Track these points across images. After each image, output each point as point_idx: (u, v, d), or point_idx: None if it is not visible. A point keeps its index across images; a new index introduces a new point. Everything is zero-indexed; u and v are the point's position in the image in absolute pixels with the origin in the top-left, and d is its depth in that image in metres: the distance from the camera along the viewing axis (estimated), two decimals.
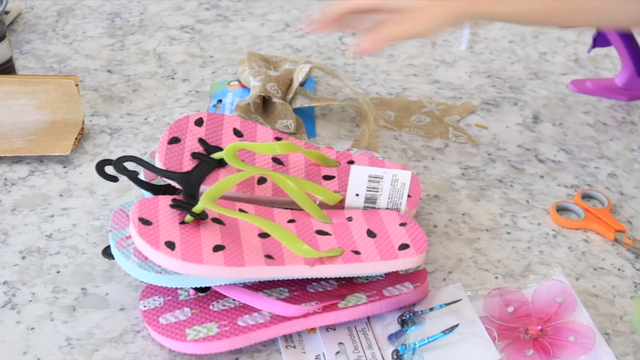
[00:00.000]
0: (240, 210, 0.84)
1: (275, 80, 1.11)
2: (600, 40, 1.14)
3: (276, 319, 0.80)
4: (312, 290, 0.84)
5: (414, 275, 0.86)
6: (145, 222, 0.79)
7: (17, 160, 1.05)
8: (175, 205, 0.81)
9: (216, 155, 0.89)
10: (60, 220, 0.96)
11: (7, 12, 1.33)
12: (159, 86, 1.19)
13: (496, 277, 0.90)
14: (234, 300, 0.82)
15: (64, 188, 1.01)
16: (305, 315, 0.81)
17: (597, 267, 0.91)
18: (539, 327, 0.82)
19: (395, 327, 0.83)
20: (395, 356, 0.79)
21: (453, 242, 0.94)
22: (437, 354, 0.80)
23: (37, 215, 0.97)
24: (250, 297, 0.80)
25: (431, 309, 0.84)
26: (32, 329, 0.84)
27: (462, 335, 0.81)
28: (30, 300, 0.87)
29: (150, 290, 0.84)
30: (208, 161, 0.89)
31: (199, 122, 0.92)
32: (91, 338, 0.83)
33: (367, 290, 0.84)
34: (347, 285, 0.85)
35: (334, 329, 0.83)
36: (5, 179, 1.03)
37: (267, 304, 0.80)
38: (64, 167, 1.04)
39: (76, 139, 1.07)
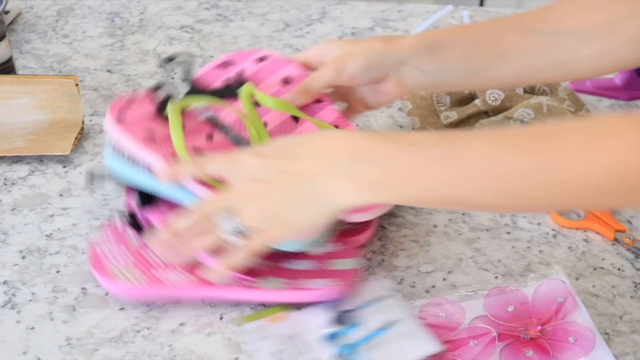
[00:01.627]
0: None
1: None
2: None
3: (193, 282, 0.84)
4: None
5: (342, 273, 0.85)
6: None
7: (17, 160, 1.05)
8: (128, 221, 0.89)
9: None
10: (60, 220, 0.96)
11: (7, 12, 1.33)
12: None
13: (496, 277, 0.90)
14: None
15: (63, 188, 1.01)
16: (215, 285, 0.83)
17: (597, 267, 0.91)
18: (539, 328, 0.82)
19: (327, 327, 0.82)
20: (339, 357, 0.79)
21: (453, 241, 0.94)
22: (381, 351, 0.80)
23: (37, 214, 0.97)
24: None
25: (361, 307, 0.84)
26: (32, 328, 0.84)
27: (401, 330, 0.81)
28: (30, 300, 0.87)
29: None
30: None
31: (260, 59, 1.00)
32: (91, 338, 0.83)
33: (289, 277, 0.85)
34: (273, 267, 0.86)
35: (266, 339, 0.81)
36: (5, 179, 1.03)
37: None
38: (64, 166, 1.04)
39: (76, 138, 1.06)
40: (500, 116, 1.06)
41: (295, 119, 0.94)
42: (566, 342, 0.81)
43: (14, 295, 0.88)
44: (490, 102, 1.08)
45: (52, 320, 0.85)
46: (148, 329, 0.84)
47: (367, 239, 0.92)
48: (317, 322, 0.83)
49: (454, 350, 0.81)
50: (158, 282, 0.84)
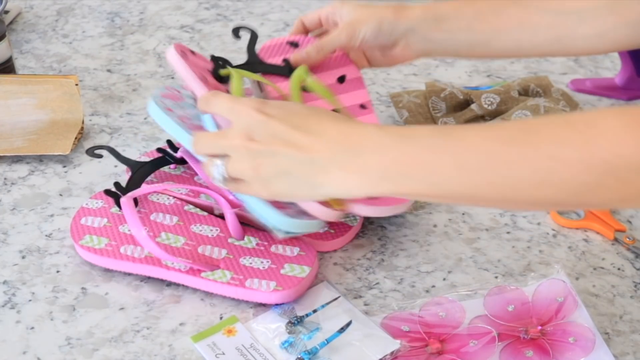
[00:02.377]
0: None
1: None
2: None
3: (148, 259, 0.87)
4: (204, 253, 0.88)
5: (288, 280, 0.86)
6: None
7: (17, 159, 1.05)
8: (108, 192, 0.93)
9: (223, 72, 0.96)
10: (60, 220, 0.96)
11: (6, 12, 1.33)
12: (158, 86, 1.19)
13: (496, 277, 0.90)
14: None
15: (63, 187, 1.01)
16: (168, 268, 0.86)
17: (597, 267, 0.91)
18: (539, 328, 0.82)
19: (283, 335, 0.82)
20: None
21: (453, 241, 0.94)
22: (342, 354, 0.80)
23: (36, 214, 0.97)
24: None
25: (314, 311, 0.84)
26: (32, 328, 0.84)
27: (358, 331, 0.82)
28: (30, 300, 0.87)
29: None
30: (168, 158, 0.98)
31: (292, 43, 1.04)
32: (91, 337, 0.83)
33: (239, 272, 0.86)
34: (229, 260, 0.87)
35: (223, 354, 0.81)
36: (5, 179, 1.03)
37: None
38: (64, 166, 1.04)
39: (76, 138, 1.06)
40: (498, 119, 1.06)
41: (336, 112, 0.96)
42: (566, 342, 0.81)
43: (14, 295, 0.88)
44: (486, 106, 1.08)
45: (52, 320, 0.85)
46: (148, 329, 0.84)
47: (338, 246, 0.93)
48: (273, 330, 0.83)
49: (454, 349, 0.81)
50: (116, 253, 0.88)
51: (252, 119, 0.77)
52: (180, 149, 0.97)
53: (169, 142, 0.99)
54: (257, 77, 0.98)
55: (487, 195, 0.73)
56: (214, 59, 0.98)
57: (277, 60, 1.01)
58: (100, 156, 0.97)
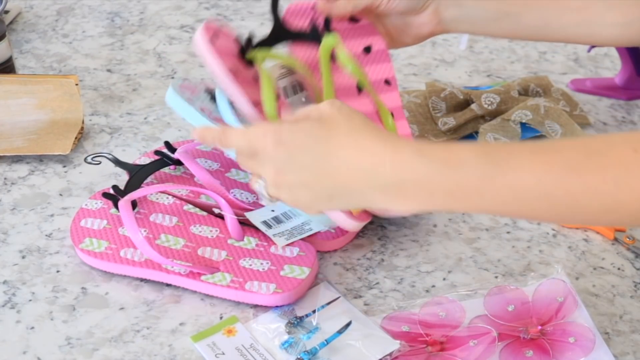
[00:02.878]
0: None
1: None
2: None
3: (148, 262, 0.87)
4: (204, 255, 0.88)
5: (288, 282, 0.86)
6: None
7: (17, 159, 1.05)
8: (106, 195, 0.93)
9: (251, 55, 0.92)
10: (60, 220, 0.96)
11: (6, 12, 1.33)
12: (158, 85, 1.19)
13: (496, 277, 0.90)
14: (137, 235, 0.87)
15: (63, 187, 1.01)
16: (168, 271, 0.86)
17: (596, 267, 0.91)
18: (539, 327, 0.82)
19: (283, 335, 0.82)
20: None
21: (453, 241, 0.94)
22: (341, 354, 0.80)
23: (36, 214, 0.97)
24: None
25: (314, 312, 0.84)
26: (32, 328, 0.84)
27: (358, 331, 0.82)
28: (30, 300, 0.87)
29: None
30: (165, 159, 0.98)
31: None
32: (91, 337, 0.83)
33: (239, 274, 0.86)
34: (228, 262, 0.87)
35: (223, 354, 0.81)
36: (5, 179, 1.03)
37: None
38: (64, 166, 1.04)
39: (76, 138, 1.06)
40: (499, 119, 1.06)
41: (359, 89, 0.95)
42: (566, 342, 0.81)
43: (14, 295, 0.88)
44: (486, 106, 1.08)
45: (52, 320, 0.85)
46: (148, 328, 0.84)
47: (338, 246, 0.93)
48: (273, 331, 0.83)
49: (454, 349, 0.81)
50: (116, 257, 0.88)
51: (273, 154, 0.74)
52: (177, 150, 0.97)
53: (167, 143, 0.99)
54: (284, 57, 0.94)
55: (547, 217, 0.75)
56: (242, 40, 0.92)
57: (303, 24, 0.96)
58: (98, 163, 0.97)
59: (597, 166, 0.67)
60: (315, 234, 0.92)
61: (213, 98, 0.94)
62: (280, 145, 0.74)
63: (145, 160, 0.99)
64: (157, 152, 0.98)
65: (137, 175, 0.96)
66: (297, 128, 0.74)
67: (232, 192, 0.95)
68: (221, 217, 0.92)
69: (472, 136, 1.09)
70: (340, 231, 0.93)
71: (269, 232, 0.90)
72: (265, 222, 0.91)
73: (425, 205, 0.73)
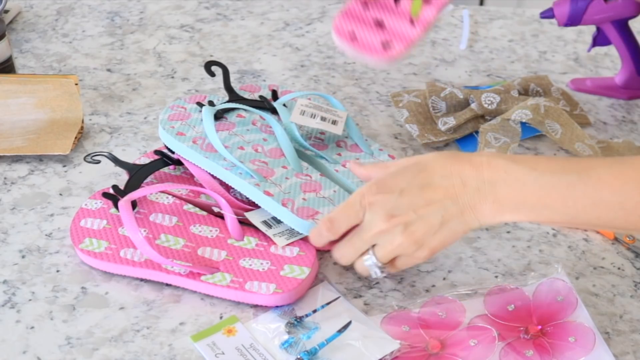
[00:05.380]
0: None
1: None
2: (600, 39, 1.14)
3: (147, 263, 0.87)
4: (204, 255, 0.88)
5: (288, 282, 0.86)
6: None
7: (17, 159, 1.05)
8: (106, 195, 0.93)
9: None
10: (59, 219, 0.96)
11: (6, 11, 1.33)
12: (158, 85, 1.19)
13: (496, 276, 0.90)
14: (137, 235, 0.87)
15: (63, 187, 1.01)
16: (168, 271, 0.86)
17: (597, 266, 0.91)
18: (539, 327, 0.82)
19: (283, 335, 0.82)
20: None
21: None
22: (341, 354, 0.80)
23: (36, 214, 0.97)
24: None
25: (314, 311, 0.84)
26: (32, 328, 0.84)
27: (358, 331, 0.82)
28: (30, 299, 0.87)
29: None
30: (165, 159, 0.98)
31: None
32: (91, 337, 0.83)
33: (239, 275, 0.86)
34: (228, 262, 0.87)
35: (223, 353, 0.81)
36: (5, 178, 1.02)
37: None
38: (64, 166, 1.04)
39: (76, 138, 1.06)
40: (499, 119, 1.06)
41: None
42: (566, 341, 0.81)
43: (13, 294, 0.88)
44: (486, 105, 1.08)
45: (52, 319, 0.85)
46: (148, 328, 0.84)
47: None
48: (272, 330, 0.83)
49: (454, 349, 0.81)
50: (115, 257, 0.88)
51: (384, 201, 0.81)
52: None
53: None
54: None
55: (623, 226, 0.79)
56: None
57: None
58: (98, 162, 0.97)
59: None
60: None
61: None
62: (379, 192, 0.81)
63: (145, 160, 0.99)
64: (157, 152, 0.98)
65: (137, 175, 0.96)
66: (393, 174, 0.83)
67: (232, 192, 0.95)
68: (221, 216, 0.92)
69: (472, 136, 1.09)
70: None
71: (269, 232, 0.90)
72: (265, 222, 0.91)
73: (513, 211, 0.79)
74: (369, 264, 0.84)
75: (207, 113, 0.96)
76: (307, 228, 0.88)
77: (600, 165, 0.80)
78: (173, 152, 0.98)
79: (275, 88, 1.07)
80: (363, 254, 0.84)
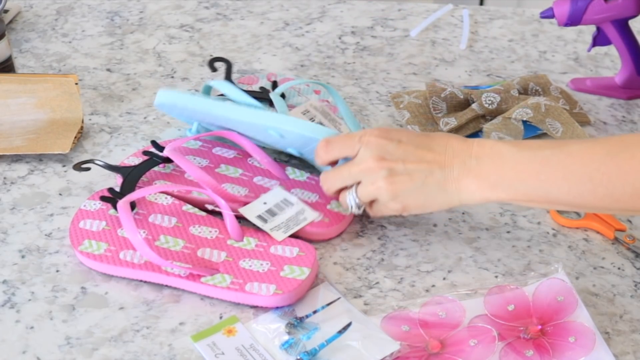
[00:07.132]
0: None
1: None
2: (600, 39, 1.14)
3: (147, 265, 0.87)
4: (204, 256, 0.88)
5: (288, 283, 0.85)
6: None
7: (17, 159, 1.05)
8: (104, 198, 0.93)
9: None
10: (59, 219, 0.96)
11: (6, 11, 1.33)
12: (158, 85, 1.19)
13: (496, 276, 0.90)
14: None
15: (63, 187, 1.01)
16: (168, 273, 0.86)
17: (597, 266, 0.91)
18: (539, 327, 0.82)
19: (283, 335, 0.82)
20: None
21: (452, 241, 0.94)
22: (341, 355, 0.80)
23: (36, 214, 0.97)
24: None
25: (314, 312, 0.84)
26: (32, 328, 0.84)
27: (358, 332, 0.82)
28: (30, 299, 0.87)
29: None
30: (155, 158, 0.99)
31: None
32: (91, 337, 0.83)
33: (239, 276, 0.86)
34: (228, 263, 0.87)
35: (223, 354, 0.81)
36: (5, 178, 1.02)
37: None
38: (64, 165, 1.04)
39: (75, 137, 1.06)
40: (500, 118, 1.06)
41: None
42: (566, 341, 0.81)
43: (13, 294, 0.88)
44: (487, 105, 1.08)
45: (51, 319, 0.85)
46: (148, 328, 0.84)
47: (334, 234, 0.94)
48: (273, 331, 0.83)
49: (454, 349, 0.81)
50: (115, 259, 0.88)
51: (381, 144, 0.86)
52: (166, 149, 0.97)
53: (154, 142, 0.99)
54: None
55: (590, 203, 0.81)
56: None
57: None
58: (88, 169, 0.97)
59: (631, 155, 0.78)
60: (310, 224, 0.92)
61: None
62: (380, 136, 0.87)
63: (132, 160, 0.99)
64: (145, 152, 0.99)
65: (131, 176, 0.96)
66: (399, 129, 0.89)
67: (223, 187, 0.95)
68: (218, 213, 0.92)
69: (474, 135, 1.08)
70: (333, 219, 0.93)
71: (265, 227, 0.90)
72: (260, 217, 0.91)
73: (493, 187, 0.84)
74: (349, 198, 0.89)
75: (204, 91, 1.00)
76: (321, 132, 0.91)
77: (574, 143, 0.85)
78: (161, 150, 0.98)
79: (274, 78, 1.08)
80: (349, 188, 0.89)
